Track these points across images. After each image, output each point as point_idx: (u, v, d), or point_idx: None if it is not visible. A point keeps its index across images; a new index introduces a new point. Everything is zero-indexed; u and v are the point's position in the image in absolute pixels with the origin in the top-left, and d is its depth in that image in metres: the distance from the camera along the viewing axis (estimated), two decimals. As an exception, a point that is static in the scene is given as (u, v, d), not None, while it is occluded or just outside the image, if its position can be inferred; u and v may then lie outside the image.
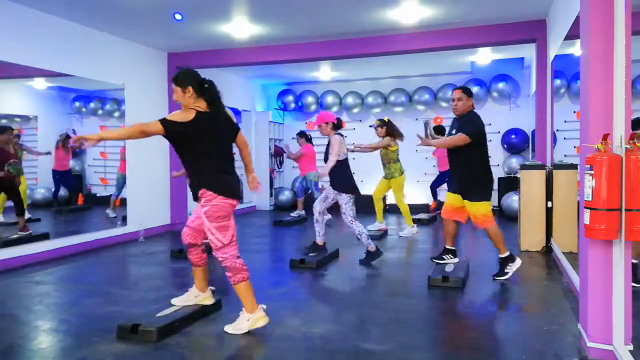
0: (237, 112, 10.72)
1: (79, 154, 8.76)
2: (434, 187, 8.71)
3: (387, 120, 6.90)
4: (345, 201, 5.31)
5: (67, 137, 8.77)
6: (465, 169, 4.51)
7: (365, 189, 9.86)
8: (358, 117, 10.75)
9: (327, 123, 5.41)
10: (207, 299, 3.71)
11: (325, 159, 5.38)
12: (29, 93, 7.17)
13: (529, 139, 9.07)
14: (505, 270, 4.57)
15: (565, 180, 5.42)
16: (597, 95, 2.78)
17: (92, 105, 9.71)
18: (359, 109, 10.56)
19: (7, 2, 5.37)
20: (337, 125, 5.49)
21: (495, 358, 2.90)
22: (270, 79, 10.76)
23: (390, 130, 6.80)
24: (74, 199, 9.15)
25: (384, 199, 7.88)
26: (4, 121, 6.95)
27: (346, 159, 5.41)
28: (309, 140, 8.82)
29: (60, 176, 8.41)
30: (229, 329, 3.30)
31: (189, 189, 3.46)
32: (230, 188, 3.37)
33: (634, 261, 3.61)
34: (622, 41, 2.64)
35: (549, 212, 5.68)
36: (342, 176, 5.34)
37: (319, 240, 5.58)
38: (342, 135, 5.44)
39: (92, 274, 5.34)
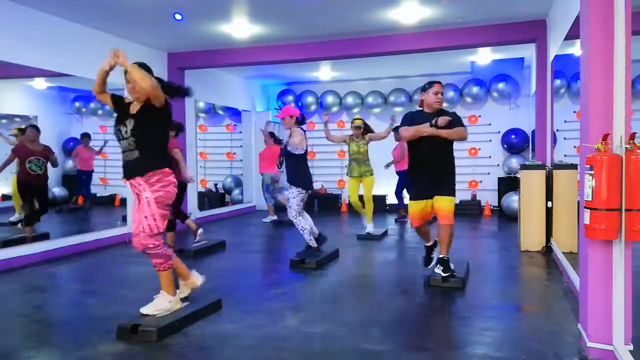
0: (237, 112, 10.74)
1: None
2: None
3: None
4: (294, 195, 5.37)
5: (87, 136, 8.81)
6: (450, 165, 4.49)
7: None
8: (358, 117, 10.75)
9: (291, 117, 5.48)
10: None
11: (285, 154, 5.46)
12: (29, 93, 7.18)
13: (529, 139, 9.08)
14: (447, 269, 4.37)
15: (565, 180, 5.42)
16: (597, 95, 2.78)
17: (92, 105, 9.73)
18: (359, 109, 10.56)
19: (7, 2, 5.37)
20: (301, 121, 5.56)
21: (495, 358, 2.90)
22: (270, 79, 10.76)
23: (366, 128, 6.95)
24: (74, 199, 9.18)
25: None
26: (4, 121, 6.95)
27: (305, 154, 5.47)
28: (277, 141, 8.60)
29: (87, 176, 8.51)
30: (148, 310, 3.41)
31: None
32: None
33: None
34: (622, 41, 2.64)
35: (549, 212, 5.68)
36: (297, 170, 5.41)
37: (312, 243, 5.51)
38: (304, 131, 5.53)
39: (92, 274, 5.34)
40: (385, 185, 9.40)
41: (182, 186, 5.75)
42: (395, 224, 8.27)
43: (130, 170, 3.38)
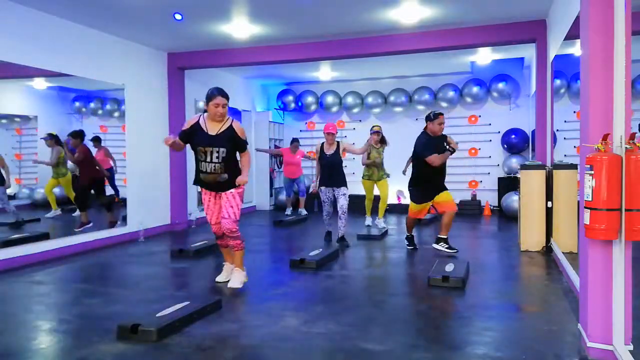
0: (237, 112, 10.74)
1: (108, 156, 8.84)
2: None
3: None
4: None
5: (98, 138, 8.83)
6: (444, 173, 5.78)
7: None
8: (358, 117, 10.76)
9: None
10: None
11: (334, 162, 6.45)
12: (29, 93, 7.17)
13: (529, 139, 9.07)
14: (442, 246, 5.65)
15: (565, 180, 5.42)
16: (597, 95, 2.78)
17: (92, 105, 9.72)
18: (359, 109, 10.56)
19: (7, 2, 5.37)
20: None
21: (495, 358, 2.90)
22: (270, 79, 10.76)
23: (383, 137, 7.62)
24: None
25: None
26: (4, 121, 6.95)
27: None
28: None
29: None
30: (236, 284, 4.41)
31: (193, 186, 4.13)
32: None
33: None
34: (622, 41, 2.64)
35: (549, 212, 5.68)
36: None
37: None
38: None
39: (92, 274, 5.34)
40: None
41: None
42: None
43: (223, 187, 4.27)
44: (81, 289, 4.63)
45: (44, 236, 6.06)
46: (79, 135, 7.06)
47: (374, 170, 7.56)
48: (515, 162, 9.01)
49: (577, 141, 3.51)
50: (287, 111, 11.30)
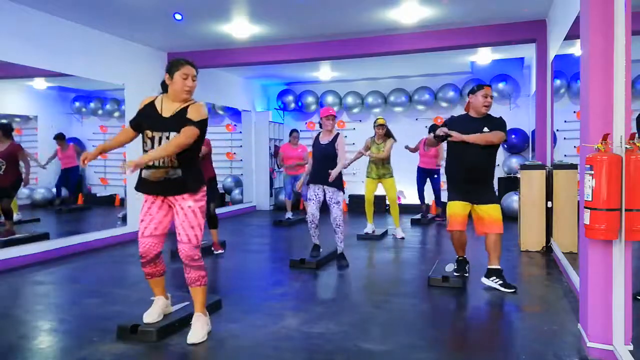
0: (237, 112, 10.75)
1: (78, 154, 8.80)
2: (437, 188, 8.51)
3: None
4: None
5: (61, 135, 8.70)
6: (491, 172, 4.36)
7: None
8: (358, 117, 10.75)
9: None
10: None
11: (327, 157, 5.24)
12: (29, 93, 7.18)
13: (529, 139, 9.07)
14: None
15: (565, 180, 5.42)
16: (597, 95, 2.78)
17: (92, 105, 9.74)
18: (359, 109, 10.55)
19: (7, 2, 5.37)
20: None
21: (495, 358, 2.90)
22: (270, 79, 10.76)
23: (388, 131, 6.94)
24: (74, 198, 9.18)
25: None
26: (4, 121, 6.96)
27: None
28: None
29: (68, 173, 8.47)
30: (196, 339, 3.12)
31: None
32: None
33: None
34: (622, 41, 2.64)
35: (549, 212, 5.68)
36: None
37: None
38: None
39: (92, 274, 5.34)
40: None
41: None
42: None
43: (171, 189, 3.15)
44: (81, 289, 4.63)
45: (44, 236, 6.06)
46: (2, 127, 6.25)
47: (373, 167, 6.85)
48: (515, 162, 9.00)
49: (577, 141, 3.51)
50: (287, 111, 11.29)
